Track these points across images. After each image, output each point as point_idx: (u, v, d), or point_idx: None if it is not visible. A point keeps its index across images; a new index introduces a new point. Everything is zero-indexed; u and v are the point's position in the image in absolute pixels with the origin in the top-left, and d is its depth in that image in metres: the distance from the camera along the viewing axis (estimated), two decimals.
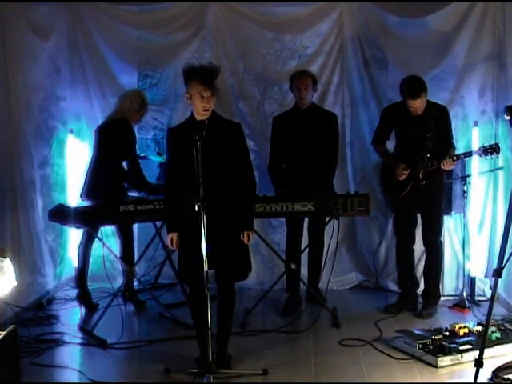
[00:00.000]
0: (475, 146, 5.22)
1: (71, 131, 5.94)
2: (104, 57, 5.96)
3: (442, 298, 5.33)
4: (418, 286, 5.34)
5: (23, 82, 5.23)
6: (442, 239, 5.18)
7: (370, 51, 5.76)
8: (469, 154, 4.95)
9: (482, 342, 3.61)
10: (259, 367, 4.10)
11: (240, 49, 5.91)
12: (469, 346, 4.18)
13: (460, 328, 4.43)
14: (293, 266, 5.14)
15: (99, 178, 5.17)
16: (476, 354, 3.64)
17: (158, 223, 5.34)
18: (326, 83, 5.84)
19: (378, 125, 5.27)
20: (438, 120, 4.95)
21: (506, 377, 3.82)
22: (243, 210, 4.01)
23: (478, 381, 3.58)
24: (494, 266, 3.65)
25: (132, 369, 4.27)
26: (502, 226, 4.13)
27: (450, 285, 5.57)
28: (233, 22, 5.87)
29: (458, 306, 5.25)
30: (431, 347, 4.24)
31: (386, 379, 3.98)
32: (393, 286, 5.65)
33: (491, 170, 5.41)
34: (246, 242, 4.01)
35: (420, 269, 5.35)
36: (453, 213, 5.38)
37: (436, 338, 4.30)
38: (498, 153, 4.78)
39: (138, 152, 5.56)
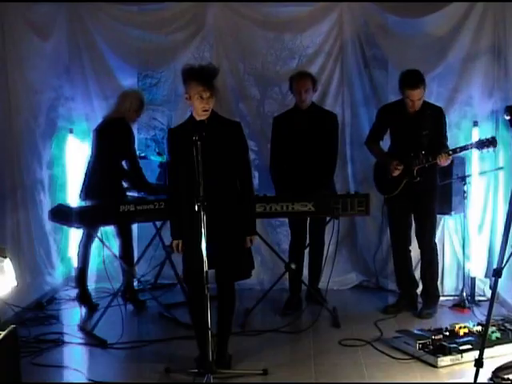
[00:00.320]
0: None
1: (71, 131, 5.94)
2: (104, 57, 5.95)
3: (442, 298, 5.34)
4: (417, 286, 5.33)
5: (23, 82, 5.23)
6: (436, 240, 5.18)
7: (370, 51, 5.76)
8: (465, 147, 4.89)
9: (482, 342, 3.61)
10: (259, 367, 4.09)
11: (240, 49, 5.91)
12: (469, 346, 4.18)
13: (460, 328, 4.43)
14: (293, 266, 5.14)
15: (99, 178, 5.17)
16: (476, 354, 3.64)
17: (158, 223, 5.35)
18: (326, 83, 5.84)
19: (374, 124, 5.27)
20: (434, 120, 4.94)
21: (506, 377, 3.81)
22: (246, 215, 4.00)
23: (478, 381, 3.57)
24: (494, 265, 3.65)
25: (132, 369, 4.27)
26: (502, 226, 4.12)
27: (450, 285, 5.58)
28: (233, 22, 5.86)
29: (458, 306, 5.25)
30: (431, 347, 4.23)
31: (386, 379, 3.98)
32: (393, 286, 5.63)
33: (491, 170, 5.41)
34: (249, 245, 4.03)
35: (419, 269, 5.34)
36: (453, 213, 5.38)
37: (436, 338, 4.30)
38: (494, 146, 4.74)
39: (137, 152, 5.56)
